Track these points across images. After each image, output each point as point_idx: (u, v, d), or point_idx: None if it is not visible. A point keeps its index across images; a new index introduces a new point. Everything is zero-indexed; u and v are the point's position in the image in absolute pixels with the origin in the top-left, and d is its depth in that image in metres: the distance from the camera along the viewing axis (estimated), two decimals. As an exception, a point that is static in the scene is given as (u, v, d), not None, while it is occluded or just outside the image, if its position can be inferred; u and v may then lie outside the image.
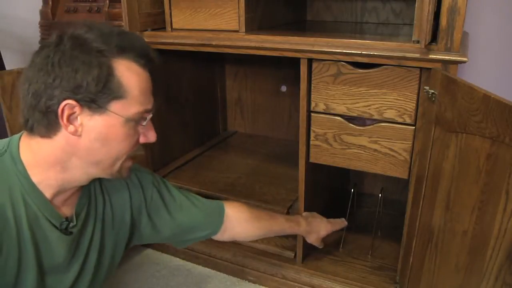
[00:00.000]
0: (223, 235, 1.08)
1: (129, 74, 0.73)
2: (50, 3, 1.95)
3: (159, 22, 1.42)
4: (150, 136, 0.80)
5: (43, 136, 0.74)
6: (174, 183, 1.52)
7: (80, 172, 0.77)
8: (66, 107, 0.70)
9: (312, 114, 1.21)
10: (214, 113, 1.98)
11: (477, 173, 0.84)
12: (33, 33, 2.10)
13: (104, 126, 0.73)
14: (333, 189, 1.66)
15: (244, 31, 1.28)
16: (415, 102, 1.08)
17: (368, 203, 1.73)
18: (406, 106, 1.09)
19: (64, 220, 0.80)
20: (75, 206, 0.83)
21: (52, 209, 0.78)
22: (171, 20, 1.40)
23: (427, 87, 1.00)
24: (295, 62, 1.18)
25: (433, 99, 0.97)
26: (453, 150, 0.91)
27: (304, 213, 1.29)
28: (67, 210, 0.82)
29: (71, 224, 0.81)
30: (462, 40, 1.00)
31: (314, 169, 1.31)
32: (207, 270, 1.49)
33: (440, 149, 0.96)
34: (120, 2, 1.34)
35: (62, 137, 0.73)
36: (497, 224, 0.79)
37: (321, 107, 1.19)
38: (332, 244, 1.50)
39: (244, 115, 2.01)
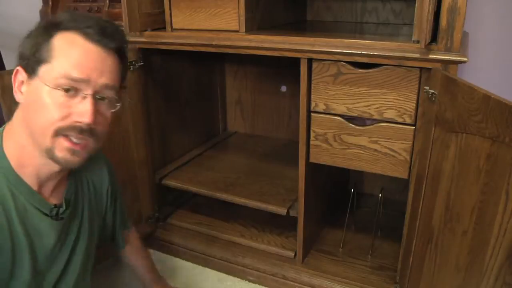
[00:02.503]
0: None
1: (64, 42, 0.72)
2: (50, 3, 1.95)
3: (159, 22, 1.42)
4: (80, 113, 0.72)
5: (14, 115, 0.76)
6: (174, 183, 1.54)
7: (32, 151, 0.75)
8: (16, 73, 0.74)
9: (312, 114, 1.21)
10: (214, 113, 1.98)
11: (477, 173, 0.84)
12: (33, 33, 2.10)
13: (33, 91, 0.73)
14: (333, 189, 1.66)
15: (244, 31, 1.28)
16: (415, 102, 1.08)
17: (368, 203, 1.73)
18: (406, 106, 1.09)
19: (53, 206, 0.81)
20: (63, 194, 0.84)
21: (40, 199, 0.78)
22: (171, 20, 1.40)
23: (427, 87, 1.00)
24: (295, 62, 1.18)
25: (433, 99, 0.97)
26: (453, 150, 0.91)
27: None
28: (56, 199, 0.82)
29: (61, 210, 0.82)
30: (462, 40, 1.00)
31: (314, 169, 1.31)
32: (207, 270, 1.49)
33: (440, 149, 0.96)
34: (120, 2, 1.34)
35: (19, 109, 0.76)
36: (497, 224, 0.79)
37: (321, 107, 1.19)
38: (332, 244, 1.50)
39: (244, 115, 2.01)
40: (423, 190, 1.05)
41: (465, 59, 0.97)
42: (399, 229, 1.25)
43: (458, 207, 0.91)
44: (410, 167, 1.13)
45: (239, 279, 1.46)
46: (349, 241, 1.51)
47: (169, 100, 1.62)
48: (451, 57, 0.98)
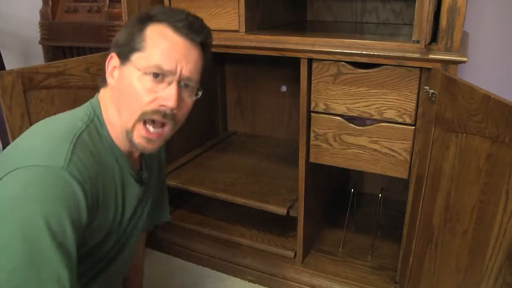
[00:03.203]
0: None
1: (156, 34, 0.78)
2: (50, 3, 1.95)
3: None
4: (166, 98, 0.78)
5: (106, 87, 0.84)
6: (174, 183, 1.54)
7: (120, 129, 0.82)
8: (110, 59, 0.82)
9: (312, 114, 1.21)
10: (214, 113, 1.98)
11: (477, 173, 0.84)
12: (33, 33, 2.10)
13: (125, 75, 0.79)
14: (333, 189, 1.66)
15: (244, 31, 1.28)
16: (415, 102, 1.08)
17: (368, 203, 1.73)
18: (406, 106, 1.09)
19: (138, 172, 0.90)
20: (141, 160, 0.92)
21: (131, 165, 0.86)
22: (171, 20, 1.40)
23: (427, 87, 1.00)
24: (295, 62, 1.18)
25: (433, 99, 0.97)
26: (453, 150, 0.91)
27: None
28: (137, 166, 0.91)
29: (142, 174, 0.91)
30: (462, 40, 1.00)
31: (314, 169, 1.31)
32: (207, 270, 1.50)
33: (440, 149, 0.96)
34: (120, 2, 1.34)
35: (107, 90, 0.84)
36: (497, 224, 0.79)
37: (321, 107, 1.19)
38: (332, 244, 1.50)
39: (244, 115, 2.01)
40: (423, 190, 1.05)
41: (465, 59, 0.97)
42: (399, 229, 1.25)
43: (458, 207, 0.91)
44: (410, 167, 1.13)
45: (239, 279, 1.46)
46: (349, 241, 1.51)
47: (169, 100, 1.61)
48: (451, 57, 0.98)
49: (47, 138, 0.74)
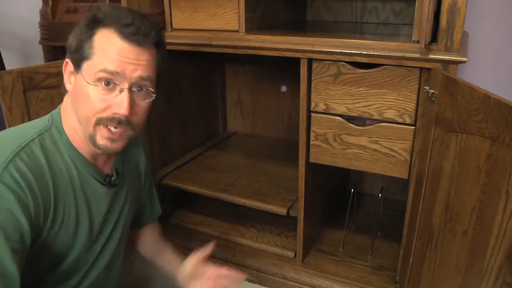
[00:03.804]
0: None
1: (103, 39, 0.79)
2: (50, 3, 1.95)
3: (159, 22, 1.42)
4: (118, 105, 0.79)
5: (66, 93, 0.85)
6: (174, 183, 1.54)
7: (81, 134, 0.83)
8: (66, 65, 0.83)
9: (312, 114, 1.21)
10: (214, 113, 1.98)
11: (477, 173, 0.84)
12: (33, 33, 2.10)
13: (77, 84, 0.81)
14: (333, 189, 1.66)
15: (244, 31, 1.28)
16: (415, 102, 1.08)
17: (368, 203, 1.73)
18: (406, 106, 1.09)
19: (106, 176, 0.89)
20: (113, 165, 0.92)
21: (95, 168, 0.87)
22: (171, 20, 1.40)
23: (427, 87, 1.00)
24: (295, 62, 1.18)
25: (433, 99, 0.97)
26: (453, 150, 0.91)
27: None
28: (107, 169, 0.91)
29: (113, 178, 0.91)
30: (462, 40, 1.00)
31: (314, 169, 1.31)
32: (207, 270, 1.49)
33: (440, 149, 0.96)
34: (120, 2, 1.34)
35: (68, 95, 0.85)
36: (497, 224, 0.79)
37: (321, 107, 1.19)
38: (332, 244, 1.50)
39: (244, 115, 2.01)
40: (423, 190, 1.05)
41: (465, 59, 0.97)
42: (399, 229, 1.25)
43: (458, 207, 0.91)
44: (410, 167, 1.13)
45: (239, 279, 1.45)
46: (349, 241, 1.51)
47: (169, 100, 1.62)
48: (451, 57, 0.98)
49: None
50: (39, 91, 1.24)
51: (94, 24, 0.80)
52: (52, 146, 0.80)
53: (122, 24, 0.79)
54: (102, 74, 0.78)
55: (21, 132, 0.79)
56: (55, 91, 1.24)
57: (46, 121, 0.83)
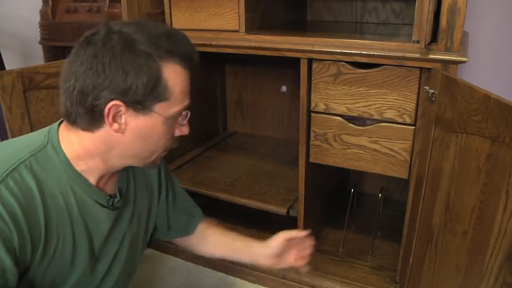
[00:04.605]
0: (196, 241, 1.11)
1: (174, 77, 0.76)
2: (50, 3, 1.95)
3: (159, 22, 1.42)
4: (184, 129, 0.86)
5: (84, 129, 0.76)
6: (174, 183, 1.53)
7: (118, 163, 0.82)
8: (113, 107, 0.72)
9: (312, 114, 1.21)
10: (214, 113, 1.98)
11: (477, 173, 0.84)
12: (33, 33, 2.10)
13: (147, 125, 0.76)
14: (333, 189, 1.66)
15: (244, 31, 1.28)
16: (415, 102, 1.08)
17: (368, 203, 1.73)
18: (406, 106, 1.09)
19: (109, 197, 0.84)
20: (116, 183, 0.87)
21: (97, 191, 0.82)
22: (171, 20, 1.40)
23: (427, 87, 1.00)
24: (295, 62, 1.18)
25: (433, 99, 0.97)
26: (453, 150, 0.91)
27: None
28: (109, 189, 0.86)
29: (116, 200, 0.86)
30: (462, 40, 1.00)
31: (314, 169, 1.31)
32: (207, 270, 1.49)
33: (440, 149, 0.96)
34: (120, 2, 1.34)
35: (104, 132, 0.76)
36: (497, 224, 0.79)
37: (321, 107, 1.19)
38: (332, 244, 1.50)
39: (244, 115, 2.01)
40: (423, 190, 1.05)
41: (465, 59, 0.97)
42: (399, 229, 1.25)
43: (458, 207, 0.91)
44: (410, 167, 1.13)
45: (239, 279, 1.46)
46: (349, 241, 1.51)
47: (169, 100, 1.62)
48: (451, 57, 0.98)
49: None
50: (39, 91, 1.24)
51: (152, 57, 0.72)
52: (46, 167, 0.74)
53: (181, 50, 0.77)
54: (186, 112, 0.82)
55: (11, 153, 0.73)
56: (55, 91, 1.24)
57: (42, 138, 0.77)
